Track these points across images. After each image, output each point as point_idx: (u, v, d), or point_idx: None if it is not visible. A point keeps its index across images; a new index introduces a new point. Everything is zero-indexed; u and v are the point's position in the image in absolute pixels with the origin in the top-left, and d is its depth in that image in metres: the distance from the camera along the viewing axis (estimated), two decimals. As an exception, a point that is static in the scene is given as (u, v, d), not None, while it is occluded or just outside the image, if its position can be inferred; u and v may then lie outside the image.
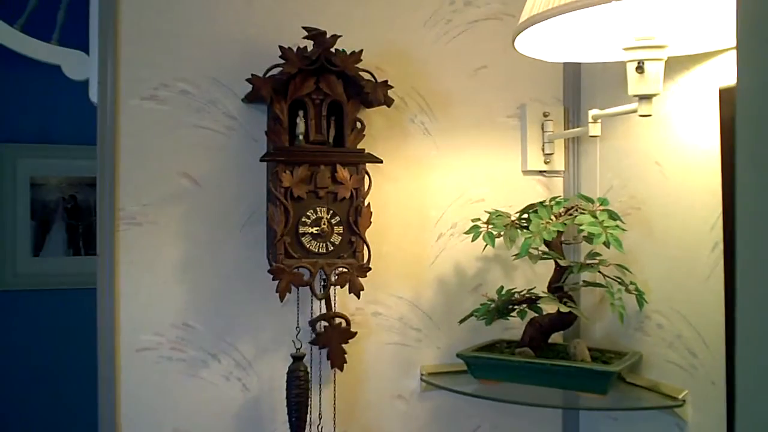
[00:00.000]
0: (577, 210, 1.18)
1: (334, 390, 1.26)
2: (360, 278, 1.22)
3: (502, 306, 1.24)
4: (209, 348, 1.23)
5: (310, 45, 1.19)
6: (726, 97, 1.03)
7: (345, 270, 1.20)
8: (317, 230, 1.19)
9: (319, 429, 1.24)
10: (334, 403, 1.25)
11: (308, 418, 1.20)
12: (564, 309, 1.16)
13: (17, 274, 2.86)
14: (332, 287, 1.22)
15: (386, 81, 1.22)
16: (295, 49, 1.18)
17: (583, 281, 1.24)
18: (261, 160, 1.18)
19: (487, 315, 1.24)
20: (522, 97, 1.39)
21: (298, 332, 1.21)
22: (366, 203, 1.22)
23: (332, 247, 1.20)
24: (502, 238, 1.21)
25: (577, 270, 1.17)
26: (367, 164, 1.21)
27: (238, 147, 1.24)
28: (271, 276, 1.17)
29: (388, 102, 1.22)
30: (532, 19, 0.90)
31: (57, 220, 2.89)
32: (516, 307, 1.27)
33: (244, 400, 1.25)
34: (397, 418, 1.33)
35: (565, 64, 1.41)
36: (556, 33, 1.04)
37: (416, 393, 1.34)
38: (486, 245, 1.22)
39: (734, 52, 0.50)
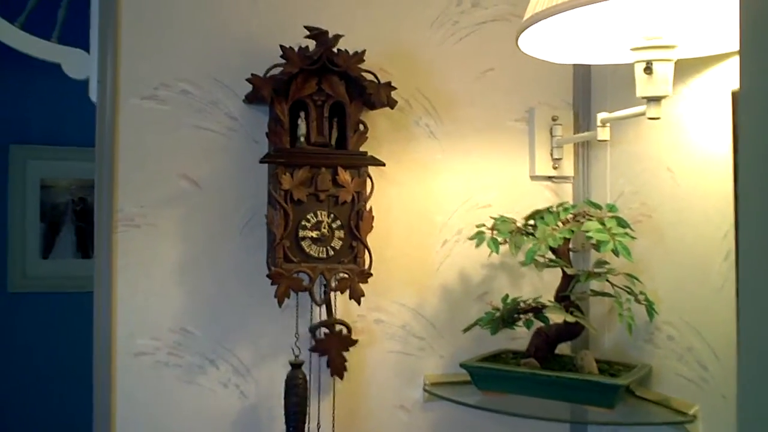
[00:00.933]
0: (585, 216, 1.15)
1: (334, 399, 1.23)
2: (361, 284, 1.19)
3: (508, 315, 1.21)
4: (207, 354, 1.21)
5: (312, 45, 1.17)
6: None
7: (345, 275, 1.18)
8: (317, 234, 1.16)
9: (318, 438, 1.21)
10: (333, 413, 1.23)
11: (306, 428, 1.17)
12: (570, 319, 1.12)
13: (26, 276, 2.86)
14: (333, 293, 1.19)
15: (389, 82, 1.20)
16: (296, 49, 1.16)
17: (591, 290, 1.20)
18: (260, 162, 1.16)
19: (492, 324, 1.21)
20: (530, 101, 1.37)
21: (298, 339, 1.18)
22: (368, 207, 1.19)
23: (333, 252, 1.17)
24: (507, 244, 1.17)
25: (584, 279, 1.13)
26: (369, 167, 1.19)
27: (239, 148, 1.23)
28: (270, 281, 1.15)
29: (392, 103, 1.20)
30: (535, 17, 0.87)
31: (66, 222, 2.89)
32: (522, 316, 1.23)
33: (242, 407, 1.23)
34: (398, 429, 1.30)
35: (574, 66, 1.38)
36: (563, 33, 1.01)
37: (418, 403, 1.31)
38: (491, 252, 1.18)
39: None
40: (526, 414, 1.17)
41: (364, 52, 1.18)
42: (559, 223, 1.16)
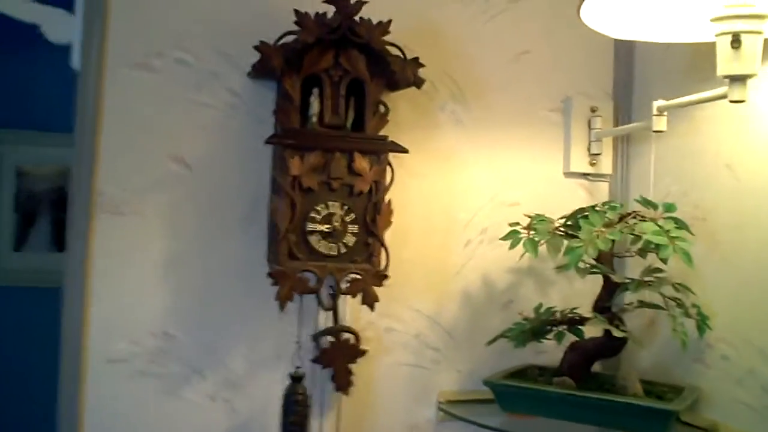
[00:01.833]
0: (635, 217, 1.02)
1: (338, 417, 1.13)
2: (375, 287, 1.06)
3: (540, 327, 1.08)
4: (193, 362, 1.09)
5: (330, 12, 1.03)
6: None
7: (358, 277, 1.06)
8: (328, 228, 1.04)
9: (319, 462, 1.08)
10: (338, 433, 1.11)
11: (306, 450, 1.05)
12: (618, 334, 0.99)
13: (-4, 269, 2.68)
14: (341, 296, 1.07)
15: (417, 58, 1.08)
16: (313, 16, 1.02)
17: (638, 301, 1.07)
18: (266, 143, 1.04)
19: (521, 337, 1.08)
20: (567, 89, 1.27)
21: (299, 348, 1.07)
22: (387, 200, 1.07)
23: (345, 249, 1.05)
24: (543, 246, 1.04)
25: (635, 288, 1.00)
26: (390, 154, 1.07)
27: (241, 128, 1.12)
28: (271, 280, 1.03)
29: (418, 83, 1.08)
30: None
31: (42, 213, 2.72)
32: (553, 328, 1.10)
33: (232, 425, 1.11)
34: (408, 452, 1.18)
35: (616, 53, 1.28)
36: (627, 4, 0.88)
37: (432, 423, 1.20)
38: (524, 254, 1.05)
39: None
40: (558, 440, 1.05)
41: (389, 22, 1.05)
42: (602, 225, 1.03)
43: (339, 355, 1.08)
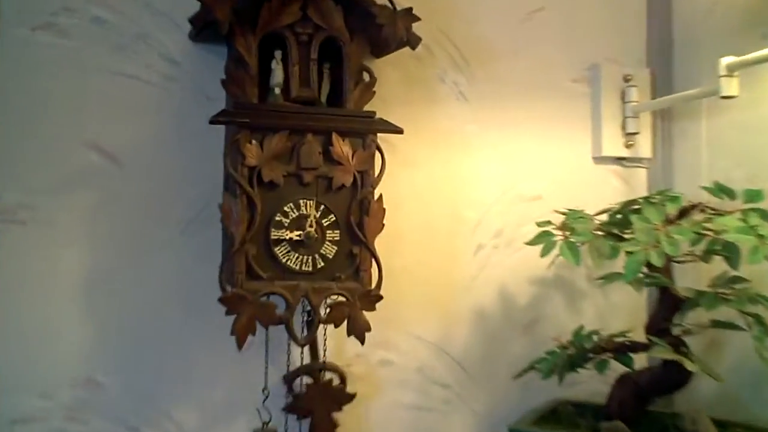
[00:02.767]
0: (703, 210, 0.80)
1: None
2: (365, 311, 0.85)
3: (580, 356, 0.86)
4: (126, 417, 0.90)
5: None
6: None
7: (342, 299, 0.85)
8: (299, 236, 0.83)
9: None
10: (320, 503, 0.92)
11: None
12: (692, 367, 0.77)
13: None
14: (321, 326, 0.86)
15: (410, 9, 0.87)
16: (271, -48, 0.81)
17: (711, 321, 0.84)
18: (211, 122, 0.83)
19: (556, 369, 0.87)
20: (593, 55, 1.11)
21: (267, 395, 0.89)
22: (377, 195, 0.86)
23: (323, 263, 0.84)
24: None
25: (709, 305, 0.77)
26: (379, 136, 0.86)
27: (181, 106, 0.92)
28: (224, 308, 0.82)
29: (413, 42, 0.87)
30: None
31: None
32: (595, 356, 0.88)
33: None
34: None
35: (649, 7, 1.10)
36: None
37: None
38: (553, 261, 0.84)
39: None
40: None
41: (372, -39, 0.83)
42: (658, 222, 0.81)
43: (319, 402, 0.91)
